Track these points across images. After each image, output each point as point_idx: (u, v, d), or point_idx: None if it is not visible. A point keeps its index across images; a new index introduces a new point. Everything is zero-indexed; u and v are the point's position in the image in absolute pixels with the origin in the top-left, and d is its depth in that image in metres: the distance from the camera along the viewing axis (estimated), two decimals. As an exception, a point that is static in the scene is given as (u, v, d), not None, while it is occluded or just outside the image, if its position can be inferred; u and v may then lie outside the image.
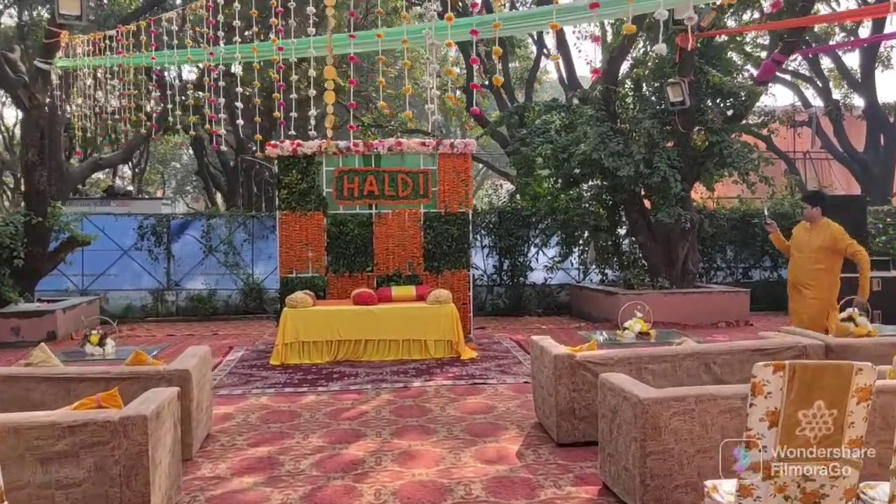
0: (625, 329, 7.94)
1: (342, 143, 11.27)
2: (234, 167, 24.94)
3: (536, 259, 14.85)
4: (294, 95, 8.02)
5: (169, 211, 18.97)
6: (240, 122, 12.36)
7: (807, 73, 22.34)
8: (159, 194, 45.69)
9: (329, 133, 7.85)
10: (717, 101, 12.44)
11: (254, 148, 12.52)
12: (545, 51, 20.51)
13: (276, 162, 11.35)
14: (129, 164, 36.30)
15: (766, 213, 7.16)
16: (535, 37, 20.50)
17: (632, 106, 13.65)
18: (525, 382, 8.16)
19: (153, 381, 5.58)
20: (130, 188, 34.27)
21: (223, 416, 6.95)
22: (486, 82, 18.95)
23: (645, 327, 7.61)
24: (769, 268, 15.19)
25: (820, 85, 21.58)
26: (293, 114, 8.00)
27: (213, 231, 14.69)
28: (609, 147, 11.95)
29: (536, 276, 15.00)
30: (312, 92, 7.66)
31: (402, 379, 8.48)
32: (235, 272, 14.57)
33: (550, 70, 28.00)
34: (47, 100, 10.98)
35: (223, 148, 10.99)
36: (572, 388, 5.92)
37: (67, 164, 13.09)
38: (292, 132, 8.00)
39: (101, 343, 7.25)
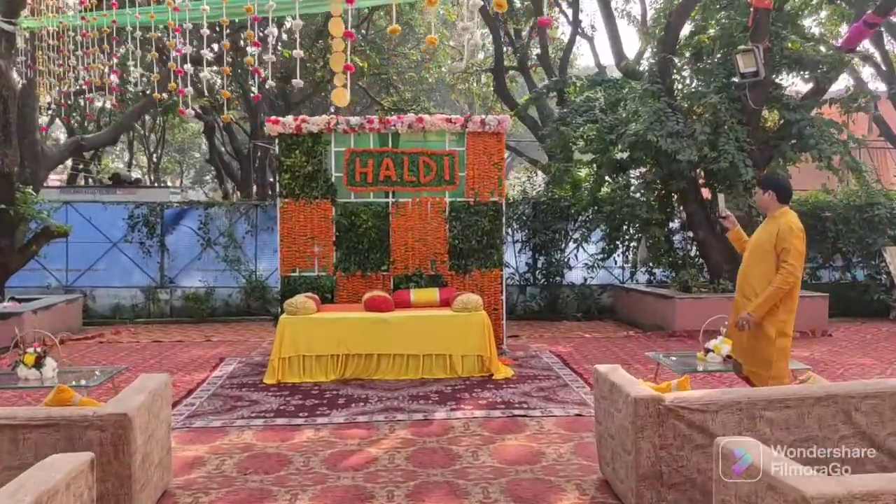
0: (708, 351, 6.21)
1: (354, 120, 9.60)
2: (248, 154, 23.42)
3: (575, 256, 13.10)
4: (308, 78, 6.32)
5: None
6: (252, 87, 10.71)
7: (867, 52, 20.25)
8: (176, 183, 44.47)
9: (341, 96, 6.19)
10: (796, 72, 10.60)
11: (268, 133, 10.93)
12: (580, 29, 18.65)
13: (277, 142, 9.70)
14: (147, 153, 35.10)
15: (721, 202, 5.25)
16: (570, 15, 18.66)
17: (689, 80, 11.83)
18: (577, 415, 6.47)
19: (78, 429, 4.03)
20: (139, 176, 33.02)
21: (192, 462, 5.33)
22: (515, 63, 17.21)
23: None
24: (840, 268, 13.30)
25: (884, 67, 19.51)
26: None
27: (212, 222, 13.12)
28: (666, 126, 10.18)
29: (575, 276, 13.27)
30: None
31: (423, 406, 6.82)
32: (236, 268, 12.99)
33: (584, 52, 26.10)
34: (13, 66, 9.39)
35: (235, 123, 9.40)
36: (659, 445, 4.23)
37: (43, 145, 11.45)
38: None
39: (37, 364, 5.64)
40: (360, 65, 19.42)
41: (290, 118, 9.59)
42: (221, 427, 6.22)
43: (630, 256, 13.04)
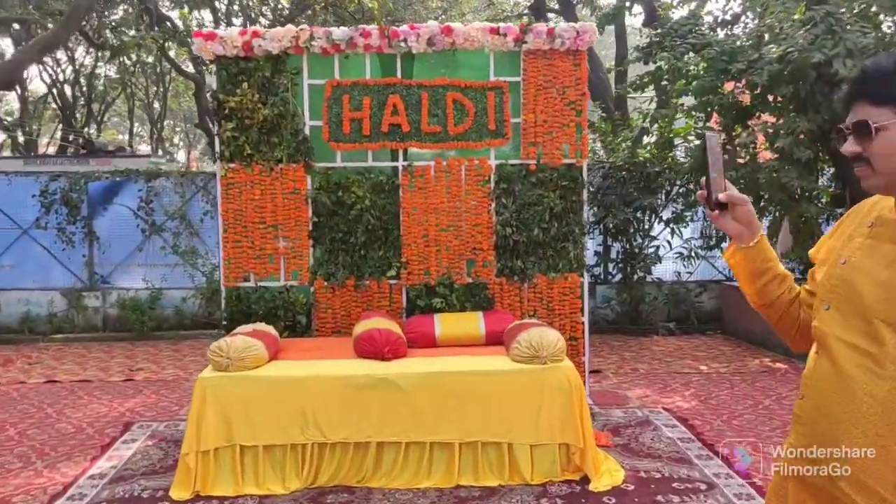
0: None
1: (340, 32, 5.83)
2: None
3: (668, 243, 9.29)
4: None
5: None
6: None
7: None
8: (182, 156, 40.82)
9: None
10: None
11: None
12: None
13: (214, 71, 5.96)
14: (151, 121, 31.76)
15: (714, 153, 2.01)
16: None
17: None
18: None
19: None
20: (125, 145, 29.53)
21: None
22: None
23: None
24: None
25: None
26: None
27: (159, 199, 9.45)
28: (845, 41, 6.31)
29: (661, 270, 9.49)
30: None
31: None
32: (192, 263, 9.34)
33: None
34: None
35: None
36: None
37: None
38: None
39: None
40: (370, 5, 15.77)
41: (233, 30, 5.83)
42: None
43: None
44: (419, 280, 5.96)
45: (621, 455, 4.88)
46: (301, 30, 5.79)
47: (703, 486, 4.37)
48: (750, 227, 1.71)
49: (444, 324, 5.28)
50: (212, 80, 6.08)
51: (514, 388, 4.49)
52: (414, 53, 5.88)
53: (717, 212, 1.71)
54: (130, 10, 18.78)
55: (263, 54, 5.83)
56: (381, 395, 4.46)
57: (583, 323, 6.09)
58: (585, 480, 4.41)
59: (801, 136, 7.18)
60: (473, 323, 5.30)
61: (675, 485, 4.39)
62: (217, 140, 5.97)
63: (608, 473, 4.48)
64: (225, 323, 5.97)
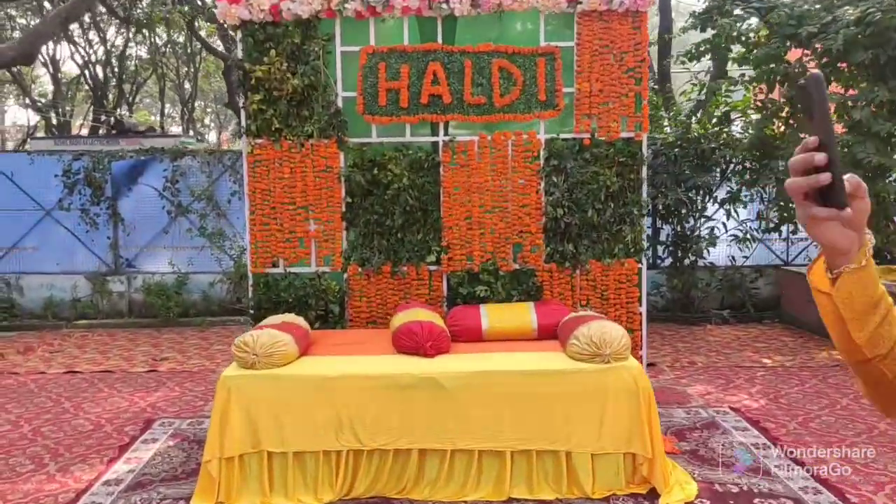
0: None
1: (374, -7, 5.29)
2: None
3: (723, 225, 8.67)
4: None
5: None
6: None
7: None
8: (213, 137, 40.62)
9: None
10: None
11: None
12: None
13: (240, 39, 5.47)
14: (182, 101, 31.62)
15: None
16: None
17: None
18: None
19: None
20: (155, 126, 29.34)
21: None
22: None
23: None
24: None
25: None
26: None
27: (185, 178, 9.04)
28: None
29: (716, 254, 8.87)
30: None
31: None
32: (219, 246, 8.94)
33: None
34: None
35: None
36: None
37: None
38: None
39: None
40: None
41: (260, -7, 5.32)
42: None
43: None
44: (461, 266, 5.46)
45: (690, 463, 4.36)
46: (334, -9, 5.27)
47: (790, 495, 3.84)
48: (860, 234, 1.03)
49: (492, 316, 4.78)
50: (238, 51, 5.59)
51: (573, 389, 3.98)
52: (456, 16, 5.33)
53: (847, 209, 0.97)
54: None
55: (292, 19, 5.33)
56: (423, 396, 3.98)
57: (640, 313, 5.55)
58: (654, 494, 3.91)
59: (879, 108, 6.51)
60: (524, 315, 4.78)
61: (756, 501, 3.86)
62: (243, 113, 5.50)
63: (679, 486, 3.96)
64: (252, 312, 5.53)
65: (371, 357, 4.31)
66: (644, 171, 5.49)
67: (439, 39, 5.39)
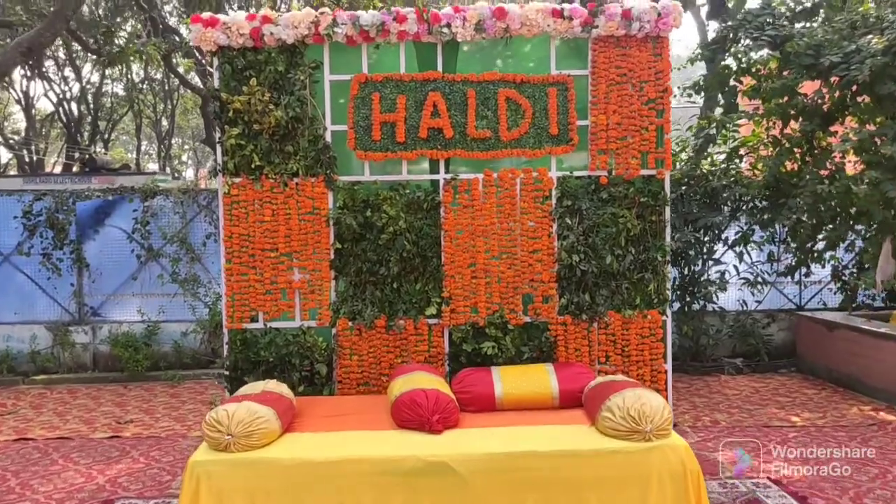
0: None
1: (368, 16, 4.74)
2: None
3: (735, 268, 8.14)
4: None
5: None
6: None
7: None
8: (191, 174, 39.87)
9: None
10: None
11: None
12: None
13: (216, 66, 4.89)
14: (158, 139, 31.07)
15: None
16: None
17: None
18: None
19: None
20: (129, 163, 28.66)
21: None
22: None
23: None
24: None
25: None
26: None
27: (157, 219, 8.38)
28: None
29: (725, 298, 8.32)
30: None
31: None
32: (193, 293, 8.25)
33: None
34: None
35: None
36: None
37: None
38: None
39: None
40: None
41: (239, 15, 4.76)
42: None
43: (862, 274, 7.96)
44: (465, 320, 4.86)
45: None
46: (321, 13, 4.72)
47: None
48: None
49: (506, 380, 4.15)
50: (214, 80, 5.00)
51: (610, 474, 3.36)
52: (459, 41, 4.81)
53: None
54: (133, 20, 17.94)
55: (276, 44, 4.77)
56: (432, 484, 3.33)
57: (666, 371, 4.96)
58: None
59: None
60: (543, 379, 4.16)
61: None
62: (219, 149, 4.89)
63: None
64: (227, 374, 4.87)
65: (367, 433, 3.67)
66: (668, 213, 4.94)
67: (439, 67, 4.85)
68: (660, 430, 3.42)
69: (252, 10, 11.85)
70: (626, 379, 4.09)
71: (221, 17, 4.76)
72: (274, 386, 4.00)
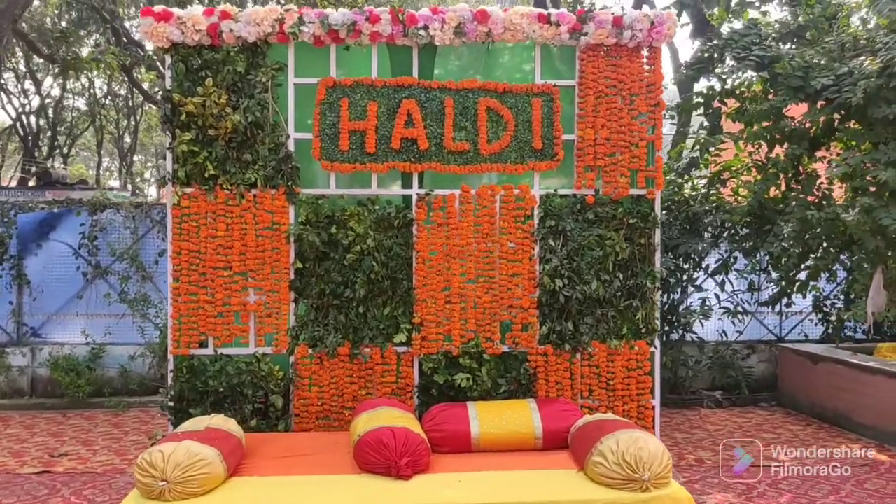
0: None
1: (337, 15, 4.34)
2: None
3: (716, 297, 7.84)
4: None
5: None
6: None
7: None
8: (154, 192, 38.92)
9: None
10: None
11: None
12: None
13: (169, 63, 4.45)
14: (120, 155, 30.36)
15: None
16: None
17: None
18: None
19: None
20: (88, 178, 27.87)
21: None
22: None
23: None
24: None
25: None
26: None
27: (105, 235, 7.82)
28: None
29: (705, 328, 8.01)
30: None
31: None
32: (143, 313, 7.68)
33: None
34: None
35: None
36: None
37: None
38: None
39: None
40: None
41: (196, 9, 4.33)
42: None
43: (852, 306, 7.69)
44: (437, 348, 4.43)
45: None
46: (287, 10, 4.31)
47: None
48: None
49: (484, 417, 3.72)
50: (167, 79, 4.55)
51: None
52: (436, 45, 4.43)
53: None
54: (97, 32, 17.38)
55: (235, 42, 4.35)
56: (400, 540, 2.87)
57: (654, 407, 4.58)
58: None
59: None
60: (525, 417, 3.75)
61: None
62: (169, 156, 4.43)
63: None
64: (172, 405, 4.36)
65: (325, 478, 3.21)
66: (658, 236, 4.59)
67: (415, 73, 4.47)
68: (659, 479, 3.02)
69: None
70: (617, 418, 3.69)
71: (176, 10, 4.34)
72: (220, 422, 3.52)
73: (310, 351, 4.39)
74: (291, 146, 4.43)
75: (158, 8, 4.31)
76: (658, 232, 4.60)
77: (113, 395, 7.59)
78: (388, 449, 3.20)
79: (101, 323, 7.84)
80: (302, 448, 3.66)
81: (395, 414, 3.56)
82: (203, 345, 4.41)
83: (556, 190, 4.53)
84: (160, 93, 4.66)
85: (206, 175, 4.34)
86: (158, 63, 12.83)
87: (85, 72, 14.93)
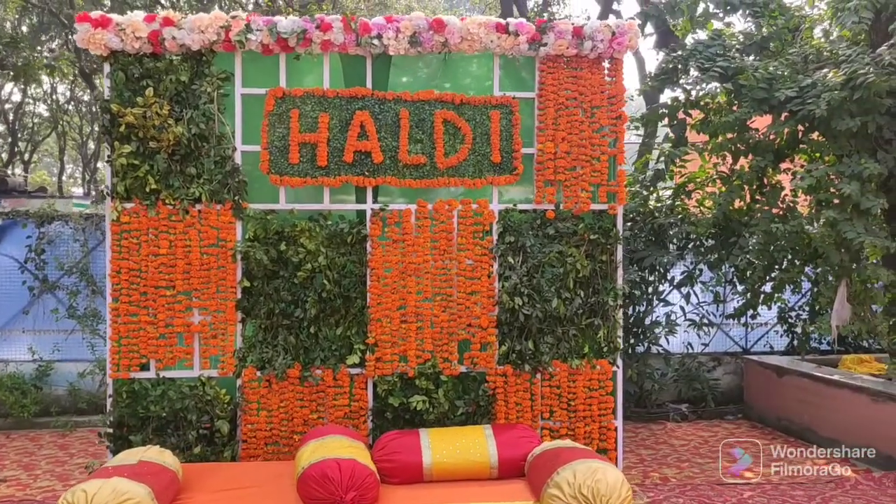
0: None
1: (287, 22, 4.16)
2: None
3: (682, 309, 7.75)
4: None
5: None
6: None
7: None
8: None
9: None
10: None
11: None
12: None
13: (108, 72, 4.22)
14: (83, 162, 29.80)
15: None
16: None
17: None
18: None
19: None
20: (47, 186, 27.25)
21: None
22: None
23: None
24: None
25: None
26: None
27: (54, 248, 7.52)
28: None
29: (672, 339, 7.92)
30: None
31: None
32: (93, 329, 7.39)
33: None
34: None
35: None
36: None
37: None
38: None
39: None
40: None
41: (137, 14, 4.12)
42: None
43: (817, 318, 7.64)
44: (392, 370, 4.25)
45: None
46: (234, 17, 4.12)
47: None
48: None
49: (437, 446, 3.55)
50: (105, 89, 4.32)
51: (559, 568, 2.78)
52: (391, 55, 4.26)
53: None
54: (58, 39, 16.96)
55: (179, 50, 4.14)
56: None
57: (616, 428, 4.44)
58: None
59: (867, 181, 5.77)
60: (480, 445, 3.58)
61: None
62: (108, 170, 4.21)
63: None
64: (110, 432, 4.13)
65: (268, 513, 3.01)
66: (619, 253, 4.46)
67: (369, 83, 4.30)
68: (621, 516, 2.87)
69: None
70: (576, 446, 3.54)
71: (114, 16, 4.12)
72: (155, 454, 3.31)
73: (258, 373, 4.19)
74: (238, 159, 4.22)
75: (96, 14, 4.09)
76: (620, 248, 4.47)
77: (60, 415, 7.27)
78: (334, 483, 3.02)
79: (49, 339, 7.51)
80: (244, 480, 3.45)
81: (343, 443, 3.38)
82: (144, 368, 4.19)
83: (515, 205, 4.39)
84: (98, 103, 4.39)
85: (148, 189, 4.13)
86: (78, 43, 12.45)
87: (42, 77, 14.51)
